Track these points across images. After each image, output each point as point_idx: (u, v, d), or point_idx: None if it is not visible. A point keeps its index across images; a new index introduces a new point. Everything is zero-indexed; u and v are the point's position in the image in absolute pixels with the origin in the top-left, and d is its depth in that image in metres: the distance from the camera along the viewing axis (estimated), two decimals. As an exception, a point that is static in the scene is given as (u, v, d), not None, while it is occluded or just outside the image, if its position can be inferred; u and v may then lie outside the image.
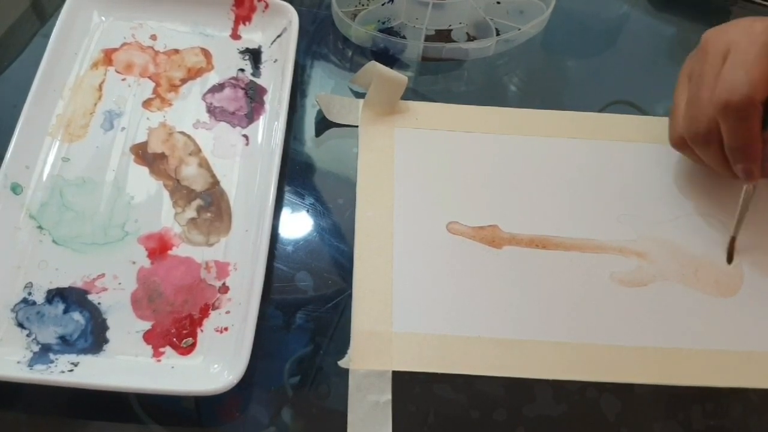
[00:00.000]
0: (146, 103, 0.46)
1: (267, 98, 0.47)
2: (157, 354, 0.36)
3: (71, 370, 0.35)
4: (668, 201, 0.44)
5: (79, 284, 0.38)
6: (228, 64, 0.48)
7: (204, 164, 0.43)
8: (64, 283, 0.38)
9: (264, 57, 0.48)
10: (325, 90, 0.48)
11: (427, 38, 0.50)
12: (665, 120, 0.45)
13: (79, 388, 0.34)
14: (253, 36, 0.49)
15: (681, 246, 0.42)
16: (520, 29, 0.50)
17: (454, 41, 0.51)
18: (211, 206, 0.42)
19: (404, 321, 0.38)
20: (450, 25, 0.51)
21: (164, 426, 0.35)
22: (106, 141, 0.44)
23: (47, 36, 0.45)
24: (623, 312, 0.39)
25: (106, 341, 0.37)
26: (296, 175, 0.44)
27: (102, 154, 0.43)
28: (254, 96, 0.47)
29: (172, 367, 0.36)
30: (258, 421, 0.36)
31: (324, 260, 0.41)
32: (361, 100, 0.47)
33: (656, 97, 0.49)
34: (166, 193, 0.42)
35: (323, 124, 0.47)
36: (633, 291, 0.40)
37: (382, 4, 0.50)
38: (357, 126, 0.46)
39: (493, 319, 0.39)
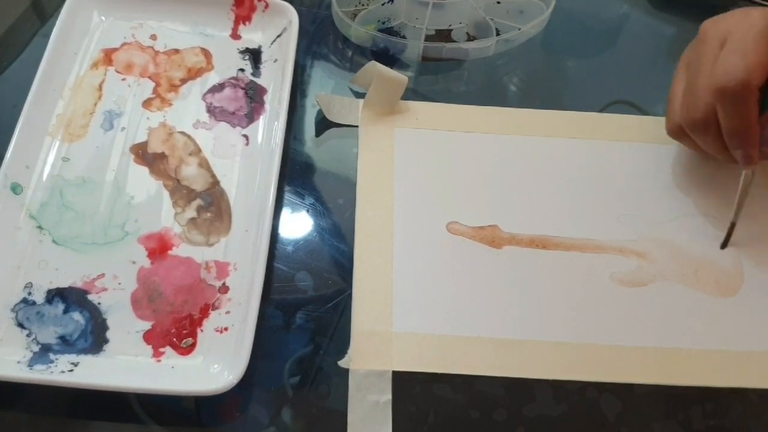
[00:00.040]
0: (146, 103, 0.46)
1: (267, 98, 0.47)
2: (157, 354, 0.36)
3: (71, 370, 0.35)
4: (668, 201, 0.44)
5: (79, 284, 0.38)
6: (228, 64, 0.48)
7: (204, 164, 0.43)
8: (64, 283, 0.38)
9: (264, 57, 0.48)
10: (325, 90, 0.48)
11: (427, 38, 0.50)
12: (665, 120, 0.45)
13: (79, 388, 0.34)
14: (253, 36, 0.49)
15: (681, 246, 0.42)
16: (520, 29, 0.50)
17: (454, 41, 0.51)
18: (211, 206, 0.42)
19: (404, 321, 0.38)
20: (450, 25, 0.51)
21: (164, 426, 0.35)
22: (106, 141, 0.44)
23: (47, 36, 0.45)
24: (623, 312, 0.39)
25: (106, 341, 0.37)
26: (296, 175, 0.44)
27: (102, 154, 0.43)
28: (254, 96, 0.47)
29: (172, 367, 0.36)
30: (258, 421, 0.36)
31: (324, 260, 0.41)
32: (361, 100, 0.47)
33: (656, 97, 0.49)
34: (166, 193, 0.42)
35: (323, 124, 0.47)
36: (633, 291, 0.40)
37: (382, 4, 0.50)
38: (357, 126, 0.46)
39: (493, 319, 0.39)
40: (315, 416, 0.36)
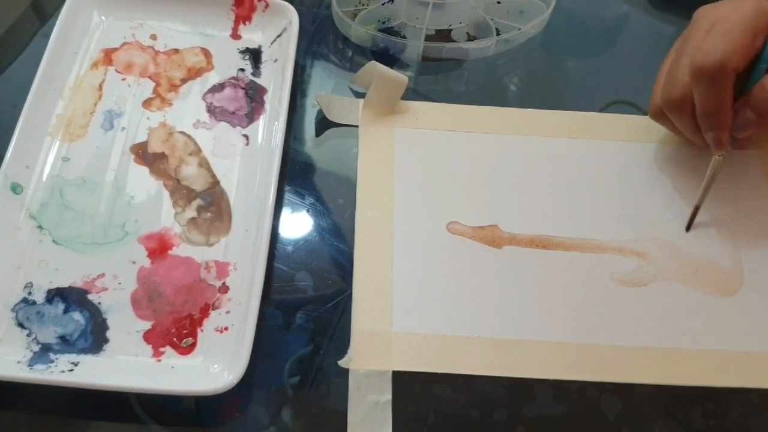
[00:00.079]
0: (146, 103, 0.46)
1: (267, 98, 0.47)
2: (157, 354, 0.36)
3: (71, 370, 0.35)
4: (668, 201, 0.44)
5: (79, 284, 0.38)
6: (228, 63, 0.48)
7: (204, 164, 0.43)
8: (64, 283, 0.38)
9: (264, 57, 0.48)
10: (325, 90, 0.48)
11: (427, 38, 0.50)
12: None
13: (79, 388, 0.34)
14: (253, 36, 0.49)
15: (681, 246, 0.42)
16: (520, 29, 0.50)
17: (454, 41, 0.51)
18: (211, 206, 0.42)
19: (404, 321, 0.38)
20: (450, 25, 0.51)
21: (164, 426, 0.35)
22: (106, 141, 0.44)
23: (47, 36, 0.45)
24: (623, 312, 0.39)
25: (106, 341, 0.37)
26: (296, 175, 0.44)
27: (102, 154, 0.43)
28: (254, 96, 0.47)
29: (172, 367, 0.36)
30: (258, 421, 0.36)
31: (324, 260, 0.41)
32: (361, 100, 0.47)
33: (656, 97, 0.49)
34: (166, 193, 0.42)
35: (323, 124, 0.47)
36: (633, 291, 0.40)
37: (382, 4, 0.50)
38: (357, 126, 0.46)
39: (493, 319, 0.39)
40: (315, 416, 0.36)
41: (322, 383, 0.37)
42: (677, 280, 0.41)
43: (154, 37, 0.49)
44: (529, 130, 0.46)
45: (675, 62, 0.40)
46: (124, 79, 0.47)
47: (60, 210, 0.41)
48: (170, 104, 0.46)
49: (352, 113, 0.47)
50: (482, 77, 0.51)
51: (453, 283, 0.40)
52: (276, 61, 0.48)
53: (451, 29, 0.51)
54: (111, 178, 0.42)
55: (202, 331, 0.37)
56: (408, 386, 0.37)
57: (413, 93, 0.48)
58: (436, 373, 0.37)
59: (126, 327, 0.37)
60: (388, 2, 0.50)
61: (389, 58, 0.50)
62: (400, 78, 0.45)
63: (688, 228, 0.42)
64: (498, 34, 0.50)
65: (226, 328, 0.37)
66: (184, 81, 0.47)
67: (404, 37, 0.51)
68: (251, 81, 0.47)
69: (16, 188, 0.41)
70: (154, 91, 0.46)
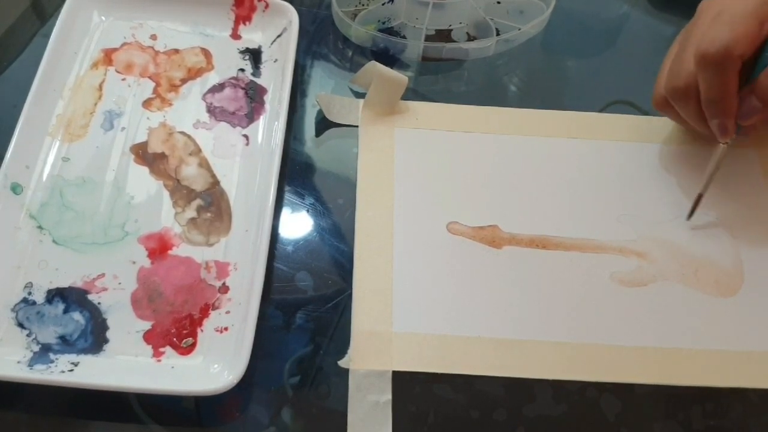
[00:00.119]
0: (146, 103, 0.46)
1: (267, 98, 0.47)
2: (157, 354, 0.36)
3: (71, 370, 0.35)
4: (668, 201, 0.44)
5: (79, 284, 0.38)
6: (228, 64, 0.48)
7: (204, 164, 0.43)
8: (64, 283, 0.38)
9: (264, 57, 0.48)
10: (325, 90, 0.48)
11: (427, 38, 0.50)
12: (665, 120, 0.45)
13: (79, 388, 0.34)
14: (253, 36, 0.49)
15: (681, 246, 0.42)
16: (520, 29, 0.50)
17: (454, 41, 0.51)
18: (211, 206, 0.42)
19: (404, 321, 0.38)
20: (450, 25, 0.51)
21: (164, 426, 0.35)
22: (106, 141, 0.44)
23: (47, 36, 0.45)
24: (623, 312, 0.39)
25: (106, 341, 0.37)
26: (296, 175, 0.44)
27: (102, 154, 0.43)
28: (254, 96, 0.47)
29: (172, 367, 0.36)
30: (258, 421, 0.36)
31: (324, 260, 0.41)
32: (361, 100, 0.47)
33: (656, 97, 0.49)
34: (166, 193, 0.42)
35: (323, 124, 0.47)
36: (633, 291, 0.40)
37: (382, 4, 0.50)
38: (357, 126, 0.46)
39: (493, 319, 0.39)
40: (315, 416, 0.36)
41: (322, 383, 0.37)
42: (677, 280, 0.41)
43: (154, 37, 0.49)
44: (529, 130, 0.46)
45: (679, 51, 0.40)
46: (124, 79, 0.47)
47: (60, 210, 0.41)
48: (170, 104, 0.46)
49: (352, 113, 0.47)
50: (482, 77, 0.51)
51: (453, 283, 0.40)
52: (276, 61, 0.48)
53: (451, 29, 0.51)
54: (111, 178, 0.42)
55: (202, 331, 0.37)
56: (408, 386, 0.37)
57: (413, 93, 0.48)
58: (436, 373, 0.37)
59: (126, 327, 0.37)
60: (388, 2, 0.50)
61: (389, 58, 0.50)
62: (400, 78, 0.45)
63: (689, 217, 0.42)
64: (498, 34, 0.50)
65: (226, 328, 0.37)
66: (184, 81, 0.47)
67: (404, 37, 0.51)
68: (251, 81, 0.47)
69: (16, 188, 0.41)
70: (154, 91, 0.46)
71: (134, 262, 0.39)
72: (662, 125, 0.46)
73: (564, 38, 0.53)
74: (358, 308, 0.39)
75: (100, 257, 0.39)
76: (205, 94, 0.46)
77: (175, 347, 0.37)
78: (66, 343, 0.36)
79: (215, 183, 0.43)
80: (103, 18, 0.49)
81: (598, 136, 0.46)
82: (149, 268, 0.39)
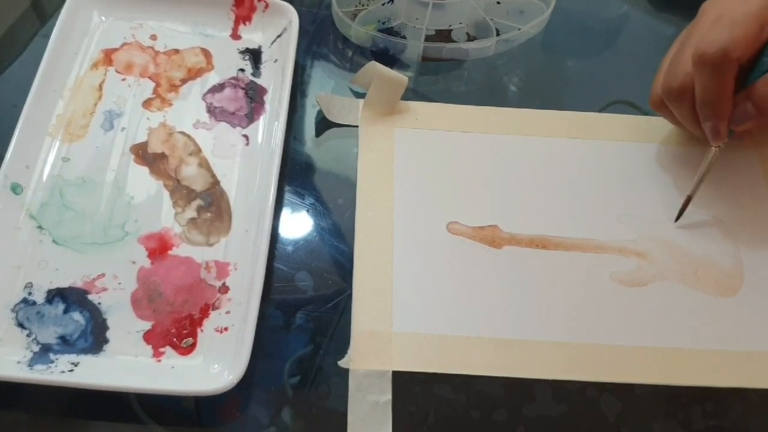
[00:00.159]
0: (146, 103, 0.46)
1: (267, 98, 0.47)
2: (157, 354, 0.36)
3: (71, 370, 0.35)
4: (668, 201, 0.44)
5: (79, 284, 0.38)
6: (228, 64, 0.48)
7: (204, 164, 0.43)
8: (64, 283, 0.38)
9: (264, 57, 0.48)
10: (325, 90, 0.48)
11: (427, 38, 0.50)
12: (665, 120, 0.45)
13: (79, 388, 0.34)
14: (253, 36, 0.49)
15: (681, 246, 0.42)
16: (520, 29, 0.50)
17: (454, 41, 0.51)
18: (211, 206, 0.42)
19: (404, 321, 0.38)
20: (450, 25, 0.51)
21: (164, 426, 0.35)
22: (106, 141, 0.44)
23: (47, 36, 0.45)
24: (623, 312, 0.39)
25: (106, 341, 0.37)
26: (296, 175, 0.44)
27: (102, 154, 0.43)
28: (254, 96, 0.47)
29: (172, 367, 0.36)
30: (258, 421, 0.36)
31: (324, 260, 0.41)
32: (361, 100, 0.47)
33: (656, 97, 0.49)
34: (166, 193, 0.42)
35: (323, 124, 0.47)
36: (633, 291, 0.40)
37: (382, 4, 0.50)
38: (357, 126, 0.46)
39: (493, 319, 0.39)
40: (315, 416, 0.36)
41: (322, 383, 0.37)
42: (677, 280, 0.41)
43: (154, 37, 0.49)
44: (528, 130, 0.46)
45: (678, 52, 0.40)
46: (124, 80, 0.47)
47: (60, 210, 0.41)
48: (170, 104, 0.46)
49: (352, 113, 0.47)
50: (482, 77, 0.51)
51: (453, 283, 0.40)
52: (276, 61, 0.48)
53: (451, 29, 0.51)
54: (111, 178, 0.42)
55: (202, 331, 0.37)
56: (408, 386, 0.37)
57: (413, 93, 0.48)
58: (436, 373, 0.37)
59: (126, 327, 0.37)
60: (388, 2, 0.50)
61: (389, 59, 0.50)
62: (400, 78, 0.45)
63: (677, 219, 0.42)
64: (498, 35, 0.50)
65: (226, 329, 0.37)
66: (184, 81, 0.47)
67: (404, 37, 0.51)
68: (251, 81, 0.47)
69: (16, 188, 0.41)
70: (154, 91, 0.46)
71: (134, 262, 0.39)
72: (662, 125, 0.46)
73: (564, 38, 0.53)
74: (358, 308, 0.39)
75: (100, 257, 0.39)
76: (205, 94, 0.46)
77: (175, 347, 0.37)
78: (66, 343, 0.36)
79: (215, 183, 0.43)
80: (103, 18, 0.49)
81: (598, 136, 0.46)
82: (149, 268, 0.39)
